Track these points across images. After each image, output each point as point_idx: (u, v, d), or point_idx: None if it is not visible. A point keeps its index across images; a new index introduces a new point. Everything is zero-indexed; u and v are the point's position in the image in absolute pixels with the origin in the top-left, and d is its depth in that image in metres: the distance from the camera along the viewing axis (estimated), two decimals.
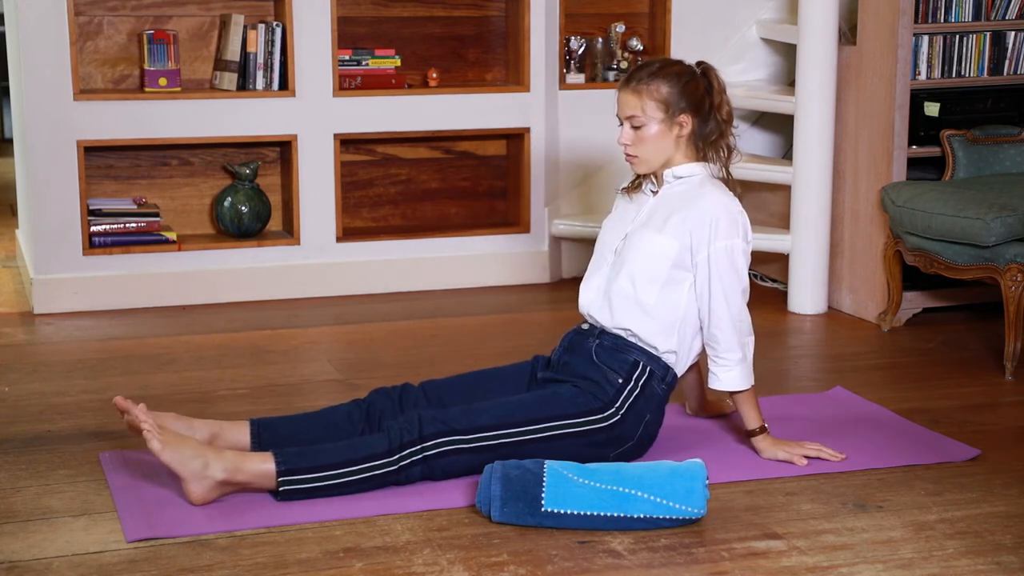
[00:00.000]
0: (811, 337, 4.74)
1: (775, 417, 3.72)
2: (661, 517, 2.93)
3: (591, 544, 2.87)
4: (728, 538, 2.91)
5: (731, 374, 3.35)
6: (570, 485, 2.94)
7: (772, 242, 5.08)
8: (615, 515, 2.93)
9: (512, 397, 3.31)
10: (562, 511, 2.93)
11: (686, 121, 3.31)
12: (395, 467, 3.11)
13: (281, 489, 3.06)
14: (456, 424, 3.16)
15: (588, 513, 2.93)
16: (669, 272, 3.31)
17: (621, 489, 2.94)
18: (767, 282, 5.43)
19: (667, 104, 3.30)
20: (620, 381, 3.28)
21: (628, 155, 3.37)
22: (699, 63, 3.40)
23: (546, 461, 3.00)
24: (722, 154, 3.39)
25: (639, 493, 2.93)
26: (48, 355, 4.38)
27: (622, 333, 3.32)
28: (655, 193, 3.42)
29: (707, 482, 2.98)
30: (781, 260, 5.21)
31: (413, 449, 3.11)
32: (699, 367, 3.62)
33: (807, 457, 3.34)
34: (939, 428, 3.64)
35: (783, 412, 3.77)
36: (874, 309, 4.84)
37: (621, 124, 3.37)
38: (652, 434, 3.34)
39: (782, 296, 5.17)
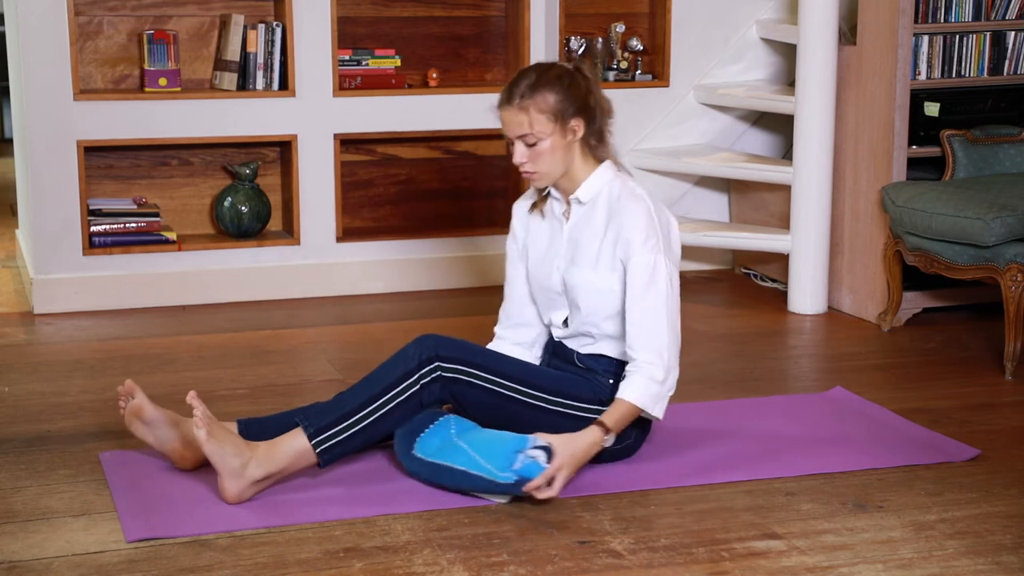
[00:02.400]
0: (811, 337, 4.74)
1: (775, 417, 3.72)
2: (475, 474, 3.04)
3: (591, 544, 2.87)
4: (728, 538, 2.91)
5: (635, 384, 3.13)
6: (442, 436, 3.10)
7: (772, 242, 5.08)
8: (447, 464, 3.08)
9: (533, 364, 3.32)
10: (422, 457, 3.10)
11: (578, 125, 3.19)
12: (417, 386, 3.10)
13: (318, 451, 3.07)
14: (480, 360, 3.17)
15: (435, 462, 3.09)
16: (623, 301, 3.25)
17: (461, 444, 3.08)
18: (767, 282, 5.43)
19: (556, 113, 3.15)
20: (611, 382, 3.29)
21: (527, 173, 3.21)
22: (570, 60, 3.30)
23: (452, 416, 3.15)
24: (608, 147, 3.27)
25: (468, 449, 3.06)
26: (48, 355, 4.38)
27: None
28: (565, 216, 3.30)
29: (531, 454, 3.02)
30: (781, 260, 5.21)
31: (431, 366, 3.11)
32: None
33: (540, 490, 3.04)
34: (939, 428, 3.64)
35: (783, 412, 3.78)
36: (874, 309, 4.84)
37: (511, 144, 3.21)
38: (646, 430, 3.36)
39: (782, 296, 5.17)
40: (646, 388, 3.14)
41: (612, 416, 3.14)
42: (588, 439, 3.10)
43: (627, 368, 3.19)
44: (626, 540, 2.90)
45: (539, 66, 3.26)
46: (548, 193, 3.35)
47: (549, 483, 3.03)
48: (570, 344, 3.36)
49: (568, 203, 3.31)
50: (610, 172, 3.28)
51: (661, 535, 2.92)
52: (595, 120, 3.23)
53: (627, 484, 3.20)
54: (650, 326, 3.16)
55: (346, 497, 3.09)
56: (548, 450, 3.04)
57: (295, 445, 3.07)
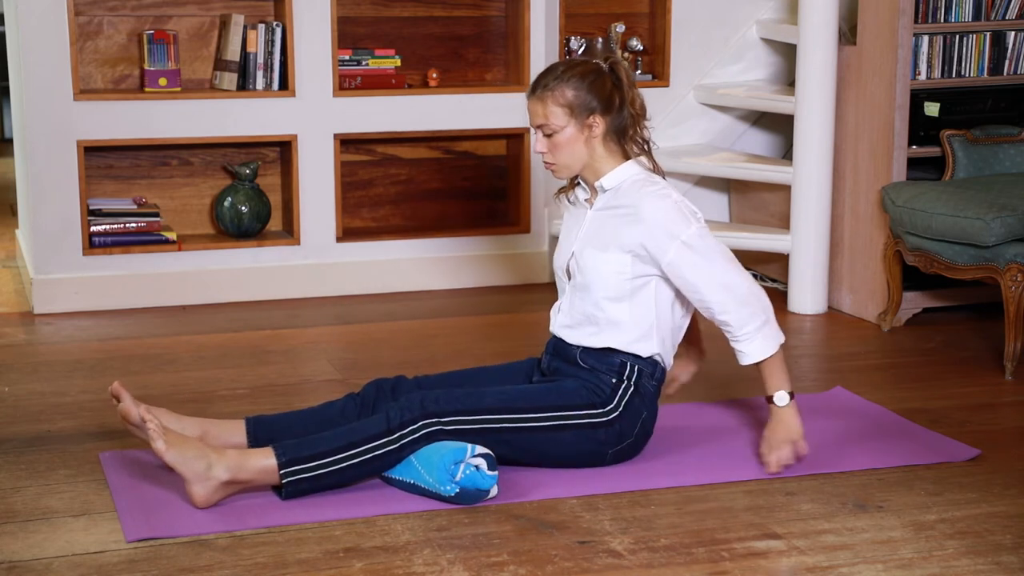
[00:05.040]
0: (811, 337, 4.74)
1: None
2: (424, 487, 3.08)
3: (591, 544, 2.87)
4: (728, 538, 2.91)
5: (753, 345, 3.24)
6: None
7: (772, 242, 5.08)
8: (397, 478, 3.13)
9: (517, 386, 3.32)
10: (389, 476, 3.15)
11: (597, 122, 3.23)
12: (396, 445, 3.09)
13: (284, 482, 3.06)
14: (460, 404, 3.15)
15: (388, 475, 3.15)
16: (631, 284, 3.26)
17: (411, 456, 3.11)
18: (767, 282, 5.43)
19: (573, 108, 3.21)
20: (614, 381, 3.27)
21: (546, 163, 3.30)
22: (607, 58, 3.33)
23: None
24: (640, 146, 3.31)
25: (415, 463, 3.09)
26: (48, 355, 4.38)
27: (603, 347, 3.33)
28: (589, 203, 3.35)
29: (473, 463, 3.05)
30: (781, 260, 5.21)
31: (415, 427, 3.10)
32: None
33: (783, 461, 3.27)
34: (939, 428, 3.64)
35: None
36: (874, 309, 4.84)
37: (535, 133, 3.29)
38: (648, 431, 3.34)
39: (782, 296, 5.17)
40: (765, 340, 3.24)
41: (774, 383, 3.25)
42: (790, 414, 3.25)
43: (735, 335, 3.24)
44: (626, 540, 2.90)
45: (570, 61, 3.33)
46: (578, 182, 3.40)
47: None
48: (572, 339, 3.35)
49: (594, 190, 3.34)
50: (636, 167, 3.31)
51: (661, 535, 2.92)
52: (620, 119, 3.27)
53: (627, 484, 3.20)
54: (728, 287, 3.23)
55: (346, 497, 3.09)
56: (489, 457, 3.06)
57: (265, 464, 3.06)
